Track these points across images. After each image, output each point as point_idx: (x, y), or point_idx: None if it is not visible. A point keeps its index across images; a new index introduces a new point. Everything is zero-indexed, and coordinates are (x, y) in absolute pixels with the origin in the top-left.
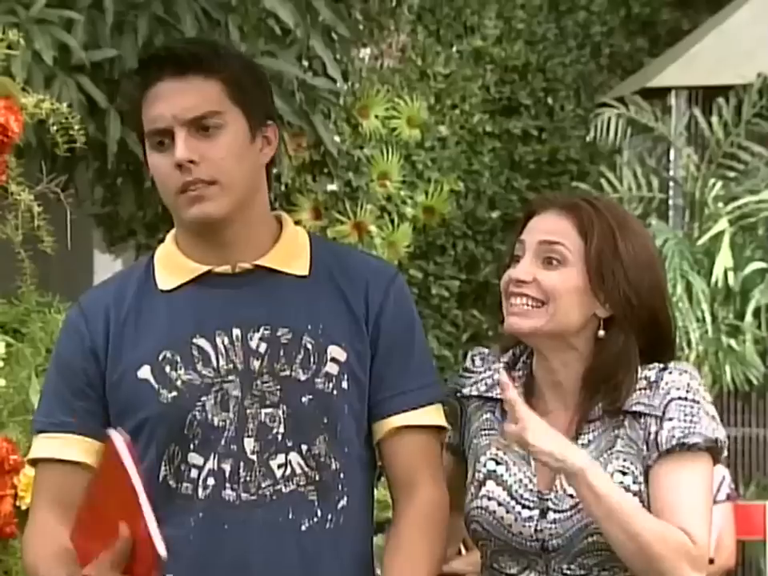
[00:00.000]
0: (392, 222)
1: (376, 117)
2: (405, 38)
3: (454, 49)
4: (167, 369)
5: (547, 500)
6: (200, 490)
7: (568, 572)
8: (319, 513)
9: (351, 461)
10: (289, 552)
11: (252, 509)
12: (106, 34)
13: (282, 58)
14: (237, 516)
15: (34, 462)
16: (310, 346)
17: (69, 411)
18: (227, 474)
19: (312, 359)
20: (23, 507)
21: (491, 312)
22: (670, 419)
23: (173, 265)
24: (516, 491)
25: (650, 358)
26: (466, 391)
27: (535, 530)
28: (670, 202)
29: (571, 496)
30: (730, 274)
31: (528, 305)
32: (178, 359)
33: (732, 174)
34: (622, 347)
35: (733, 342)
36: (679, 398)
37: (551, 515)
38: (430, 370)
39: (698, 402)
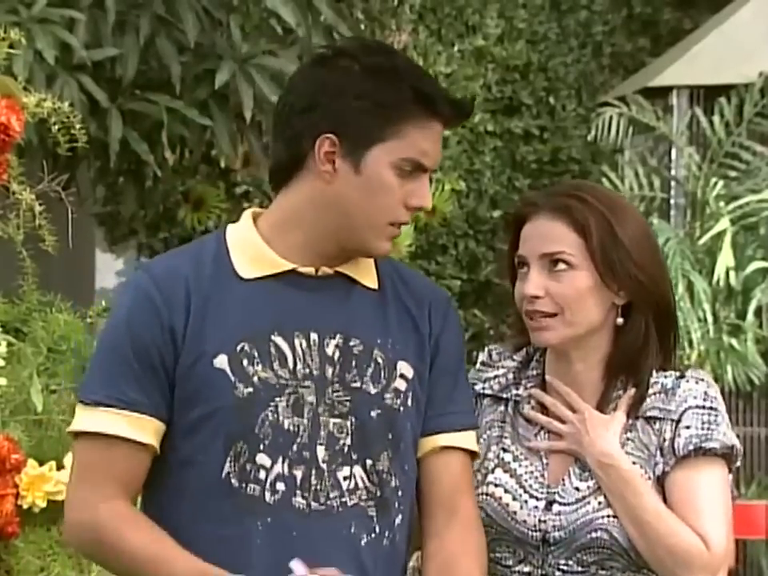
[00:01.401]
0: None
1: None
2: (406, 38)
3: (456, 48)
4: (245, 362)
5: (554, 493)
6: (267, 494)
7: (565, 568)
8: (377, 529)
9: (408, 478)
10: (349, 566)
11: (320, 518)
12: (108, 34)
13: (284, 57)
14: (305, 525)
15: (78, 435)
16: (380, 360)
17: (140, 389)
18: (298, 481)
19: (382, 373)
20: (25, 506)
21: (492, 311)
22: (687, 427)
23: (256, 254)
24: (525, 481)
25: (661, 343)
26: (478, 388)
27: (539, 520)
28: (672, 201)
29: (578, 489)
30: (732, 274)
31: (548, 317)
32: (256, 354)
33: (733, 174)
34: (641, 330)
35: (734, 342)
36: (696, 407)
37: (556, 507)
38: (471, 397)
39: (716, 410)
